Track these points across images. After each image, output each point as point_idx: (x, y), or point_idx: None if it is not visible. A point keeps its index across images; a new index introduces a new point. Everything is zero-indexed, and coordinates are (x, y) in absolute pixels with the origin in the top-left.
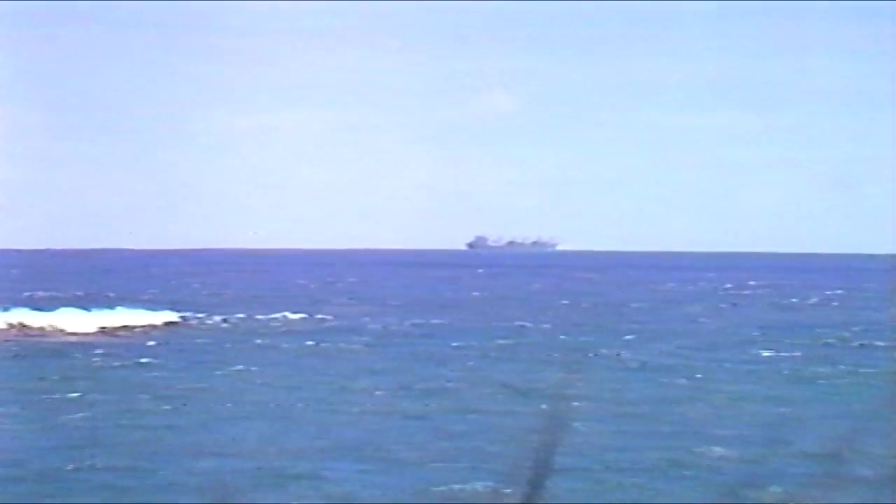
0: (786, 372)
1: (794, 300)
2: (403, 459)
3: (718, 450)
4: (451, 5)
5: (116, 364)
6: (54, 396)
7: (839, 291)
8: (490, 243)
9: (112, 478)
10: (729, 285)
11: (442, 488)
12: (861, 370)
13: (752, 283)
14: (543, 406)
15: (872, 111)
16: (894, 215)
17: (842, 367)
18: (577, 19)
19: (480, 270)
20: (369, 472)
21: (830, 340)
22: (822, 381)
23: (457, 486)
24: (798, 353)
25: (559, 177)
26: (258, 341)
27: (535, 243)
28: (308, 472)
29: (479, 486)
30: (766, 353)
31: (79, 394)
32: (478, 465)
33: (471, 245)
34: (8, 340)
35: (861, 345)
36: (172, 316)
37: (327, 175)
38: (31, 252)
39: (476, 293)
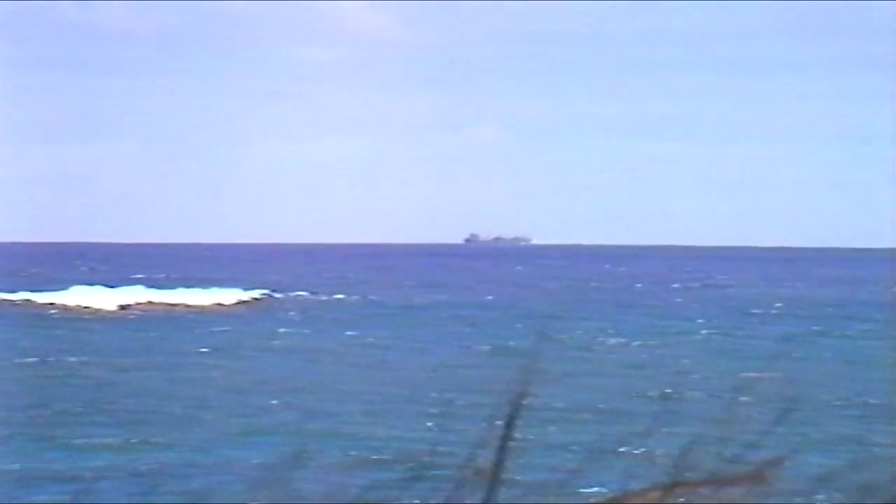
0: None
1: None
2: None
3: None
4: (455, 55)
5: (263, 329)
6: (248, 354)
7: (799, 283)
8: (481, 239)
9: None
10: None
11: None
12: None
13: (721, 276)
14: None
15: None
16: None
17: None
18: (550, 66)
19: (478, 260)
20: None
21: (756, 311)
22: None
23: None
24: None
25: (534, 187)
26: (337, 314)
27: (514, 238)
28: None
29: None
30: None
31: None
32: None
33: (467, 240)
34: (147, 312)
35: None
36: (262, 293)
37: (352, 188)
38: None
39: (477, 276)
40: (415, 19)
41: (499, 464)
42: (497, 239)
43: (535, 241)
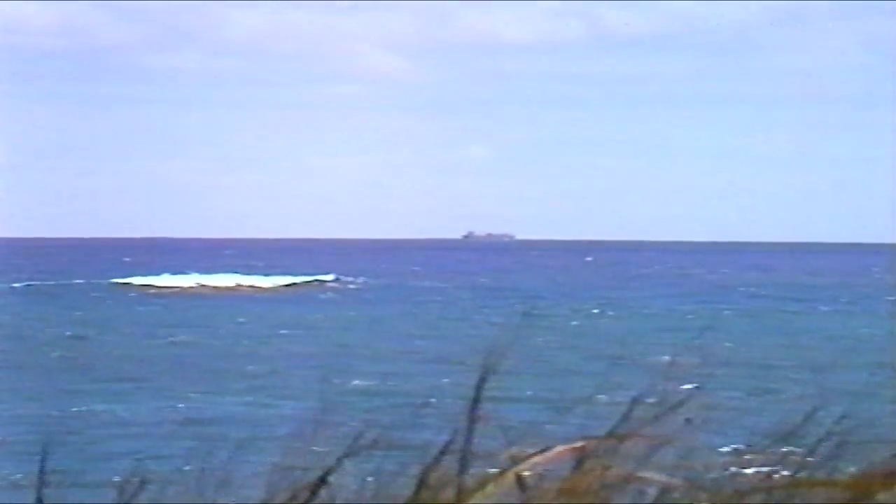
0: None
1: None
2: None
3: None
4: (449, 90)
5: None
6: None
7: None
8: (476, 235)
9: None
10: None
11: None
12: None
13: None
14: None
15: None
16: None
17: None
18: (524, 101)
19: (474, 253)
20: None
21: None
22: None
23: None
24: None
25: (513, 193)
26: (370, 295)
27: (502, 235)
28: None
29: None
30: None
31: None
32: None
33: (465, 237)
34: (241, 295)
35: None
36: (330, 276)
37: (371, 194)
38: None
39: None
40: (418, 61)
41: (474, 408)
42: (489, 235)
43: (518, 237)
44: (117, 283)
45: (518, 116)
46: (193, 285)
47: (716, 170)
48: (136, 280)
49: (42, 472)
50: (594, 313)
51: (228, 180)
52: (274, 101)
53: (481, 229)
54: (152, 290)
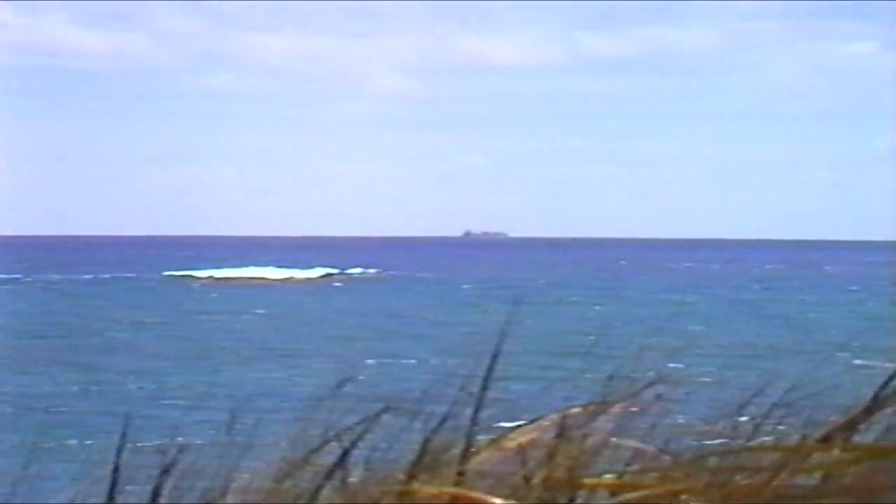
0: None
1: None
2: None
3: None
4: (448, 106)
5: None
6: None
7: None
8: (473, 234)
9: None
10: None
11: None
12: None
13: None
14: None
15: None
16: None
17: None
18: (512, 116)
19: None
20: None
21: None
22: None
23: None
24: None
25: (508, 197)
26: (396, 285)
27: (497, 233)
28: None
29: None
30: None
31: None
32: None
33: (465, 234)
34: (295, 285)
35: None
36: (358, 270)
37: (381, 198)
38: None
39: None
40: (421, 81)
41: (484, 388)
42: (485, 233)
43: (510, 235)
44: (174, 275)
45: (508, 129)
46: (254, 276)
47: (682, 174)
48: (198, 273)
49: (122, 439)
50: (580, 301)
51: (253, 184)
52: (296, 115)
53: (478, 228)
54: (215, 281)
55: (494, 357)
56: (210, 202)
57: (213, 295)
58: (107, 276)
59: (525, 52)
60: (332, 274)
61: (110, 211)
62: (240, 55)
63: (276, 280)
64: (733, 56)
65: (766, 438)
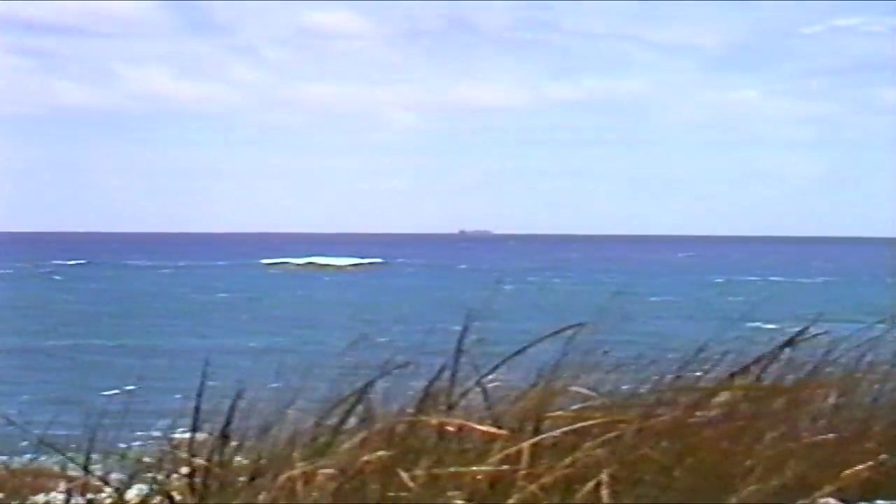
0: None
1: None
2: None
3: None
4: (443, 135)
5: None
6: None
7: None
8: (466, 231)
9: None
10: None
11: None
12: None
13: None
14: None
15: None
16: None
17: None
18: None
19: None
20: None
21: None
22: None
23: None
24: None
25: (492, 204)
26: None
27: (483, 231)
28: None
29: None
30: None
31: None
32: None
33: (460, 233)
34: (363, 270)
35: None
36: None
37: (391, 206)
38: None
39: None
40: (427, 117)
41: (458, 353)
42: (475, 231)
43: (494, 232)
44: (272, 262)
45: (491, 153)
46: (343, 264)
47: (620, 183)
48: (294, 260)
49: (203, 378)
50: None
51: (299, 192)
52: (333, 143)
53: (469, 227)
54: (311, 267)
55: (465, 328)
56: (265, 205)
57: (326, 279)
58: (227, 263)
59: (503, 96)
60: (375, 262)
61: (194, 211)
62: (292, 98)
63: (343, 266)
64: (655, 98)
65: (684, 382)
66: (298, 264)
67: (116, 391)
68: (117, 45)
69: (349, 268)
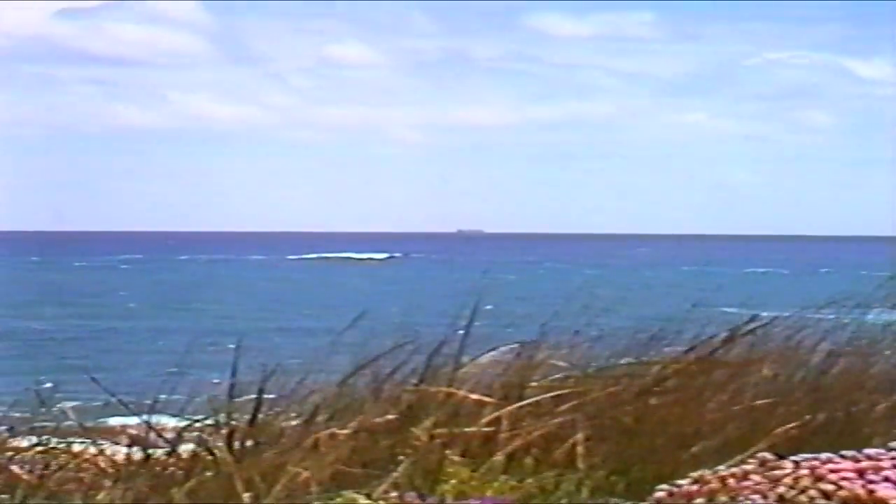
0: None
1: None
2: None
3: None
4: (439, 149)
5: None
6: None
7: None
8: (464, 230)
9: None
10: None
11: None
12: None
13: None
14: None
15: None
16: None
17: None
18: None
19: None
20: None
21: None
22: None
23: None
24: None
25: (484, 206)
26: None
27: (477, 230)
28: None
29: None
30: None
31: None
32: None
33: (458, 232)
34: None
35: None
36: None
37: (399, 208)
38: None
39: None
40: (429, 135)
41: (467, 330)
42: (471, 230)
43: (486, 231)
44: (325, 257)
45: (484, 164)
46: (380, 257)
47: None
48: (332, 255)
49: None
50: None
51: (321, 196)
52: (351, 156)
53: (466, 226)
54: (350, 261)
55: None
56: (288, 205)
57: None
58: (294, 256)
59: (493, 117)
60: (395, 257)
61: (232, 212)
62: (314, 118)
63: (380, 259)
64: (620, 119)
65: (646, 358)
66: (339, 258)
67: (174, 369)
68: (169, 74)
69: (380, 261)
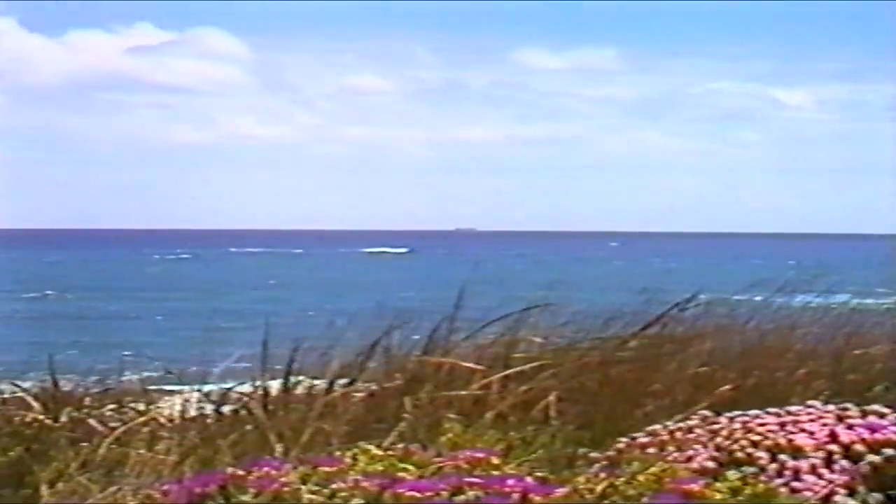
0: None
1: None
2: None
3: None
4: (439, 155)
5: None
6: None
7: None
8: (461, 229)
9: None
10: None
11: None
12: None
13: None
14: None
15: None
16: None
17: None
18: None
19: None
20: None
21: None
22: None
23: None
24: None
25: (477, 207)
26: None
27: (471, 228)
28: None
29: None
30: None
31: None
32: None
33: (455, 230)
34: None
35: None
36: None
37: (404, 209)
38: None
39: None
40: (430, 149)
41: (455, 312)
42: (468, 229)
43: (479, 229)
44: (371, 252)
45: (476, 174)
46: (401, 252)
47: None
48: (368, 249)
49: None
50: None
51: (337, 198)
52: (366, 166)
53: (462, 225)
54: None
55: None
56: (309, 207)
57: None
58: (344, 251)
59: (485, 135)
60: (411, 252)
61: (266, 215)
62: (337, 137)
63: (400, 253)
64: (589, 137)
65: (607, 335)
66: (396, 252)
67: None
68: (217, 100)
69: (401, 255)
